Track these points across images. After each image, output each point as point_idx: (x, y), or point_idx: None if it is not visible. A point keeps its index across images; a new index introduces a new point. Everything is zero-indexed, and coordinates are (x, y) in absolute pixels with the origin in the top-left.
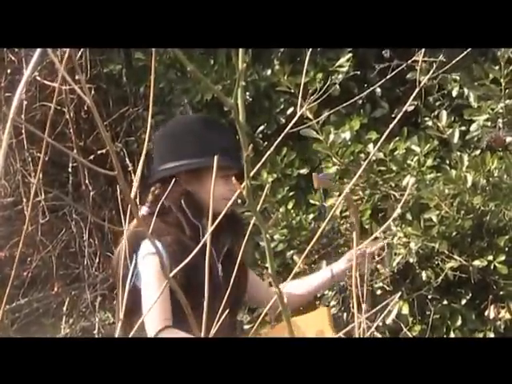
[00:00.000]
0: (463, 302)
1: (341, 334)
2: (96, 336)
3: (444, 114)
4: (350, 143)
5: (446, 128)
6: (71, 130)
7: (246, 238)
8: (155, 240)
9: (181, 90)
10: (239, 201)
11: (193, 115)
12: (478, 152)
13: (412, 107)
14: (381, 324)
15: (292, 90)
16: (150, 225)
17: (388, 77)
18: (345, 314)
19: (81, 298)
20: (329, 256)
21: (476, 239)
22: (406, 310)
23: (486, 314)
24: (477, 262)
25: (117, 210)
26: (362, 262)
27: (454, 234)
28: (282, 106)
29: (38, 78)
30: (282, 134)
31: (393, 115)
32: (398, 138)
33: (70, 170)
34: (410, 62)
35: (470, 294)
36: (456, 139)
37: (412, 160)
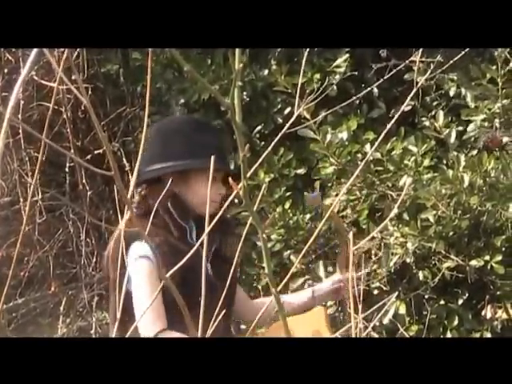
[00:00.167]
0: (460, 301)
1: (337, 334)
2: (93, 336)
3: (441, 114)
4: (347, 143)
5: (443, 128)
6: (68, 130)
7: (234, 237)
8: (143, 241)
9: (178, 89)
10: (236, 201)
11: (180, 116)
12: (474, 152)
13: (409, 107)
14: (378, 324)
15: (289, 90)
16: (136, 226)
17: (385, 77)
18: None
19: (78, 298)
20: (326, 256)
21: (473, 239)
22: (402, 310)
23: (482, 313)
24: (474, 262)
25: (114, 210)
26: (346, 286)
27: (451, 233)
28: (279, 106)
29: (35, 78)
30: (279, 134)
31: (390, 115)
32: (395, 138)
33: (67, 169)
34: (407, 61)
35: (467, 294)
36: (453, 139)
37: (409, 160)
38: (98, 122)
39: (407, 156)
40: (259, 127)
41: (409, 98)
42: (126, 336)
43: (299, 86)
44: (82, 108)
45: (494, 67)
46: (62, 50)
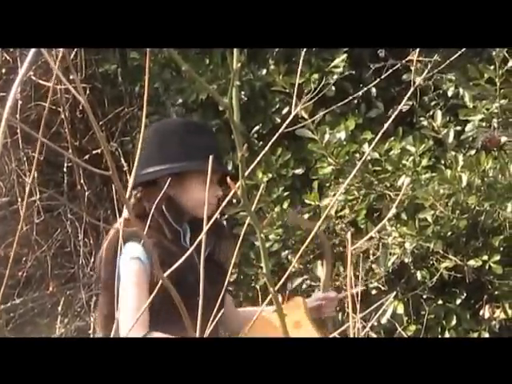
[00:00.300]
0: (458, 301)
1: (336, 334)
2: (91, 336)
3: (439, 113)
4: (345, 143)
5: (441, 128)
6: (66, 130)
7: (227, 241)
8: (136, 243)
9: (176, 89)
10: (234, 201)
11: (176, 118)
12: (472, 152)
13: (407, 107)
14: (376, 323)
15: (287, 90)
16: (131, 228)
17: (383, 76)
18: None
19: (76, 298)
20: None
21: (471, 239)
22: (400, 310)
23: (480, 313)
24: (472, 262)
25: (112, 210)
26: (330, 305)
27: (449, 233)
28: (277, 106)
29: (33, 78)
30: (277, 134)
31: (388, 115)
32: (393, 138)
33: (65, 169)
34: (404, 61)
35: (465, 294)
36: (451, 139)
37: (407, 160)
38: (96, 122)
39: (405, 156)
40: (257, 127)
41: (406, 97)
42: (113, 333)
43: (297, 85)
44: (80, 108)
45: (492, 67)
46: (60, 49)
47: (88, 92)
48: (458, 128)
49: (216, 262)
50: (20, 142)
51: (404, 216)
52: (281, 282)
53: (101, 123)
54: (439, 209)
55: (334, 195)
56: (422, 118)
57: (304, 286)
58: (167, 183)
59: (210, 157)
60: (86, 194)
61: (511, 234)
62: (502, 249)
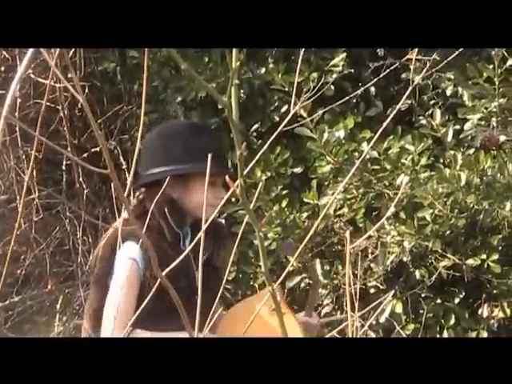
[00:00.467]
0: (456, 300)
1: (334, 333)
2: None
3: (438, 112)
4: (343, 142)
5: (440, 127)
6: (65, 128)
7: (227, 247)
8: (135, 243)
9: (175, 87)
10: (233, 199)
11: (180, 120)
12: (471, 151)
13: (406, 106)
14: (374, 322)
15: (286, 89)
16: (132, 228)
17: (382, 75)
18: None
19: (74, 296)
20: (322, 254)
21: (469, 238)
22: (399, 309)
23: (479, 312)
24: (470, 261)
25: (111, 208)
26: (311, 330)
27: (448, 232)
28: (276, 105)
29: (32, 76)
30: (276, 133)
31: (387, 114)
32: (391, 137)
33: (63, 167)
34: (403, 60)
35: (464, 293)
36: (450, 138)
37: (406, 159)
38: (95, 120)
39: (404, 155)
40: (256, 125)
41: (405, 96)
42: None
43: (296, 84)
44: (79, 106)
45: (491, 66)
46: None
47: (87, 90)
48: (457, 127)
49: (213, 268)
50: (19, 139)
51: (403, 215)
52: (279, 281)
53: (99, 121)
54: (438, 208)
55: (333, 194)
56: (420, 117)
57: (302, 285)
58: (168, 184)
59: (209, 156)
60: (85, 192)
61: (510, 232)
62: (500, 248)
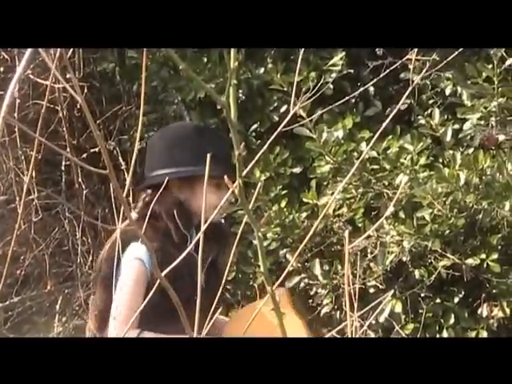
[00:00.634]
0: (456, 300)
1: (333, 333)
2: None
3: (437, 112)
4: (342, 142)
5: (439, 126)
6: (64, 129)
7: (226, 253)
8: (142, 243)
9: (174, 88)
10: (232, 199)
11: (187, 122)
12: (471, 150)
13: (405, 106)
14: (374, 322)
15: (285, 89)
16: (138, 230)
17: (381, 75)
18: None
19: (74, 297)
20: (322, 254)
21: (469, 237)
22: (398, 309)
23: (478, 312)
24: (470, 261)
25: (110, 209)
26: None
27: (447, 232)
28: (275, 105)
29: (31, 76)
30: (275, 133)
31: (386, 114)
32: (391, 137)
33: (63, 168)
34: (403, 60)
35: (463, 293)
36: (449, 137)
37: (405, 158)
38: (94, 121)
39: (403, 154)
40: (255, 125)
41: (404, 96)
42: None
43: (295, 84)
44: (78, 106)
45: (490, 66)
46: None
47: (86, 90)
48: (456, 126)
49: (217, 271)
50: (18, 140)
51: (402, 214)
52: (279, 281)
53: (99, 122)
54: (437, 207)
55: (332, 194)
56: (419, 117)
57: (302, 285)
58: (175, 186)
59: (208, 156)
60: (84, 192)
61: (509, 232)
62: (499, 247)
